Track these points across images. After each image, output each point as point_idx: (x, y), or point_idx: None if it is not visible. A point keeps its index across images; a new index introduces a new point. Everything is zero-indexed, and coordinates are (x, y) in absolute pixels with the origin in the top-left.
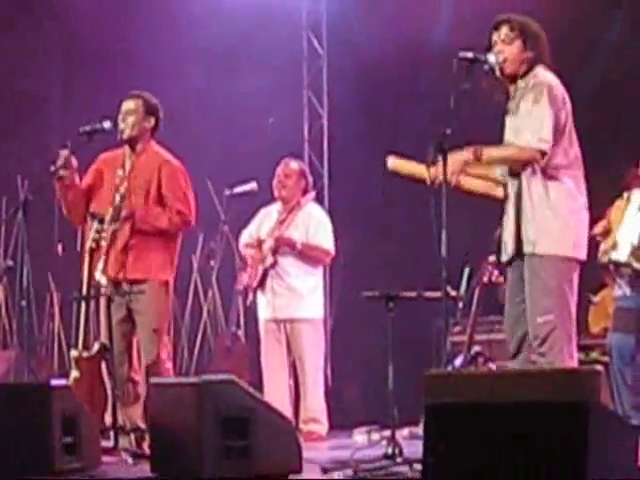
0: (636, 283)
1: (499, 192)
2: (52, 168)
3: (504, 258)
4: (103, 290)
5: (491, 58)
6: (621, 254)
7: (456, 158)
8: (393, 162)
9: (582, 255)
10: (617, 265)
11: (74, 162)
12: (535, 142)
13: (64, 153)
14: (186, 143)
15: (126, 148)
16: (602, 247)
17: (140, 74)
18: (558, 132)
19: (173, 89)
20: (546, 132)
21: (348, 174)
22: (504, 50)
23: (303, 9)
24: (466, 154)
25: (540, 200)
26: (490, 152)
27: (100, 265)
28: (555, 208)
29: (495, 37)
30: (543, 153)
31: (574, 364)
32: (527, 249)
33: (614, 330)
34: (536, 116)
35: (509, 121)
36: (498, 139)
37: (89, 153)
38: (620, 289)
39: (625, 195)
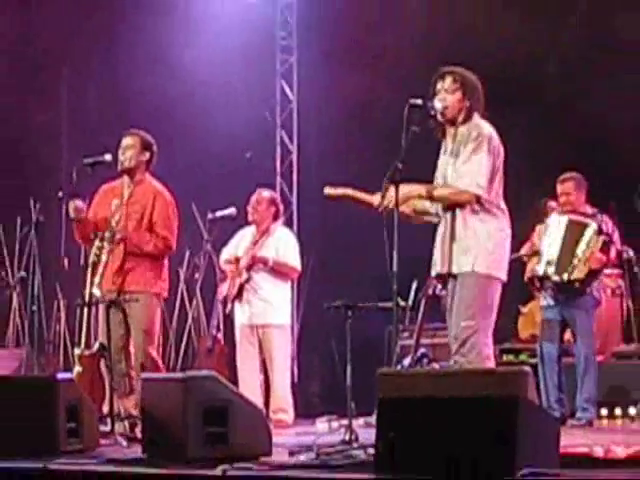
0: (557, 294)
1: (432, 219)
2: (60, 194)
3: (434, 272)
4: (105, 296)
5: (437, 105)
6: (540, 269)
7: (405, 191)
8: (332, 190)
9: (502, 275)
10: (539, 279)
11: (82, 205)
12: (474, 187)
13: (75, 204)
14: (176, 173)
15: (125, 178)
16: (529, 266)
17: (137, 114)
18: (493, 176)
19: (167, 127)
20: (483, 180)
21: (314, 202)
22: (446, 98)
23: (277, 59)
24: (412, 190)
25: (472, 229)
26: (435, 190)
27: (96, 280)
28: (483, 236)
29: (439, 86)
30: (478, 197)
31: (492, 365)
32: (458, 268)
33: (542, 339)
34: (476, 164)
35: (447, 160)
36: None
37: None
38: (545, 300)
39: (545, 221)
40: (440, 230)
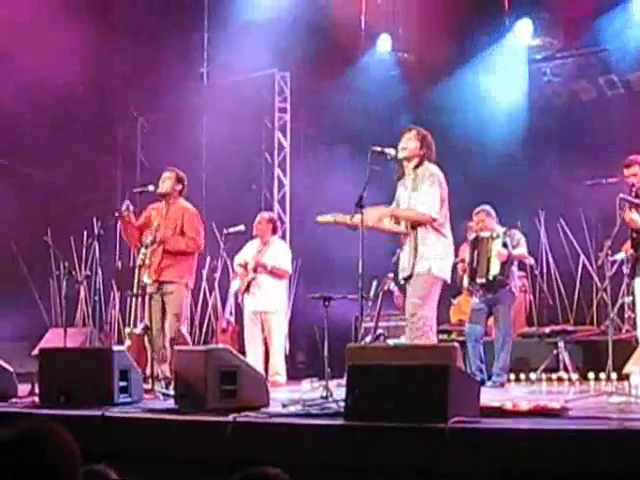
0: (485, 294)
1: (399, 230)
2: (116, 213)
3: (401, 276)
4: (148, 288)
5: (392, 152)
6: (468, 281)
7: (377, 211)
8: (323, 218)
9: (447, 277)
10: (472, 285)
11: (131, 207)
12: (431, 211)
13: (127, 202)
14: (201, 201)
15: (163, 201)
16: (465, 280)
17: (176, 159)
18: (442, 204)
19: (197, 169)
20: (436, 207)
21: (302, 222)
22: (408, 144)
23: (275, 117)
24: (385, 210)
25: (429, 243)
26: (401, 212)
27: (146, 273)
28: (435, 248)
29: (406, 135)
30: (434, 219)
31: (435, 338)
32: (418, 270)
33: (469, 322)
34: (431, 195)
35: (408, 194)
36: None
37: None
38: (476, 298)
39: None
40: (406, 244)
